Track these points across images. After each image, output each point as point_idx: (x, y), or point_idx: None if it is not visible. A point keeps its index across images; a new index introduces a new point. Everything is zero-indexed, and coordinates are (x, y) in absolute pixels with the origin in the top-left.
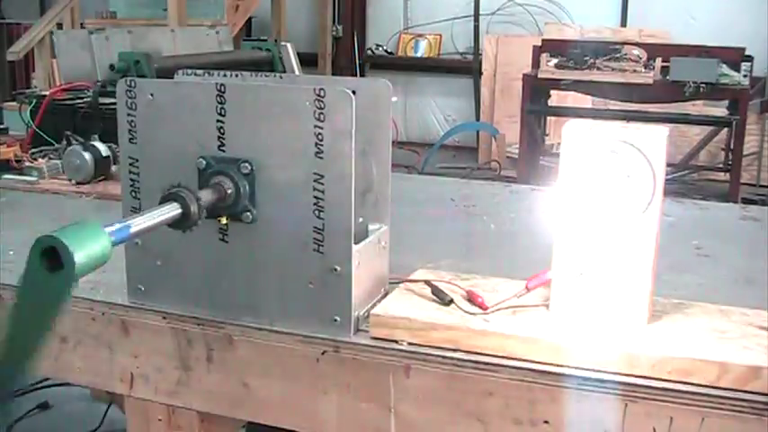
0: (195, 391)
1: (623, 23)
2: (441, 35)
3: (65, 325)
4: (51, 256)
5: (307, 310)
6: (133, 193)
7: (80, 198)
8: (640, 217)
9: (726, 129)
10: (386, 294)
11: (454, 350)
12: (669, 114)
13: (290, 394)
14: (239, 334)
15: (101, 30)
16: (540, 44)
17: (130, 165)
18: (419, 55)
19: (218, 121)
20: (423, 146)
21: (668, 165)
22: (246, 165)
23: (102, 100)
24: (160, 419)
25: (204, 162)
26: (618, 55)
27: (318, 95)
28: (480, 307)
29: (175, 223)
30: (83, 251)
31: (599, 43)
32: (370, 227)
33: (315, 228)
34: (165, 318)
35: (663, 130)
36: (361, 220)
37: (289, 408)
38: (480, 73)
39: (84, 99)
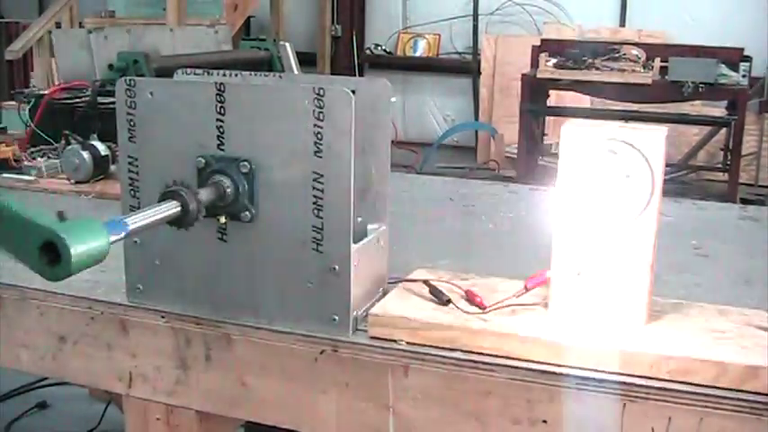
0: (194, 390)
1: (622, 23)
2: (439, 35)
3: (63, 324)
4: (49, 251)
5: (305, 309)
6: (132, 192)
7: (79, 197)
8: (639, 217)
9: (724, 129)
10: (384, 294)
11: (453, 350)
12: (668, 114)
13: (289, 393)
14: (238, 333)
15: (99, 29)
16: (538, 44)
17: (129, 164)
18: (418, 54)
19: (217, 120)
20: (421, 145)
21: (667, 165)
22: (246, 164)
23: (100, 99)
24: (158, 419)
25: (203, 161)
26: (617, 55)
27: (318, 95)
28: (479, 306)
29: (174, 221)
30: (80, 247)
31: (598, 43)
32: (369, 226)
33: (314, 227)
34: (163, 317)
35: (662, 130)
36: (360, 219)
37: (287, 407)
38: (479, 73)
39: (83, 98)
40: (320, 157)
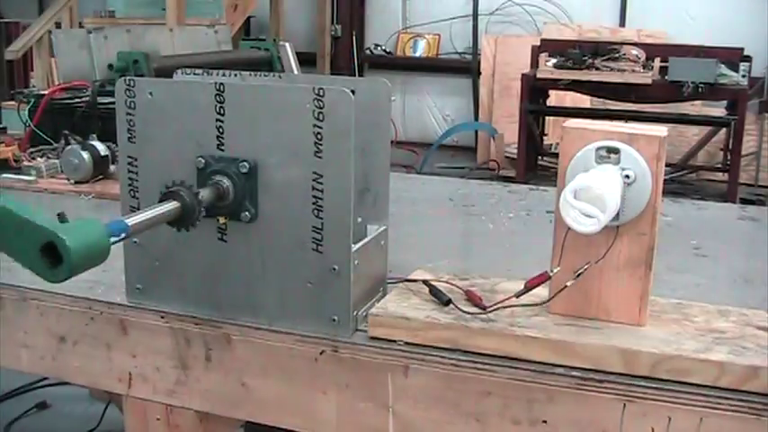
0: (194, 390)
1: (622, 23)
2: (439, 35)
3: (63, 324)
4: (50, 252)
5: (305, 309)
6: (132, 193)
7: (78, 197)
8: (639, 217)
9: (724, 129)
10: (384, 294)
11: (453, 350)
12: (668, 114)
13: (289, 394)
14: (238, 333)
15: (99, 29)
16: (538, 44)
17: (129, 164)
18: (418, 55)
19: (217, 120)
20: (421, 146)
21: (667, 165)
22: (245, 164)
23: (100, 99)
24: (158, 419)
25: (203, 161)
26: (616, 55)
27: (318, 95)
28: (479, 306)
29: (174, 221)
30: (81, 248)
31: (598, 43)
32: (369, 226)
33: (314, 227)
34: (163, 317)
35: (661, 130)
36: (359, 219)
37: (287, 407)
38: (479, 73)
39: (83, 98)
40: (320, 157)
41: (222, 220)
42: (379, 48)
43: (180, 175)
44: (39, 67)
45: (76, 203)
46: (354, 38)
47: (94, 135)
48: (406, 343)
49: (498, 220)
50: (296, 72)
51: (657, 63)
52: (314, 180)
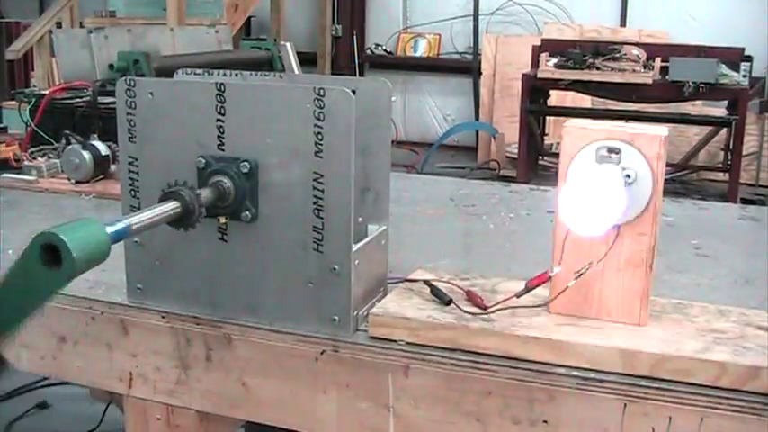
0: (194, 390)
1: (623, 23)
2: (440, 35)
3: (64, 324)
4: (50, 253)
5: (306, 309)
6: (132, 192)
7: (79, 197)
8: (639, 217)
9: (725, 129)
10: (385, 294)
11: (453, 350)
12: (668, 114)
13: (289, 394)
14: (238, 333)
15: (100, 29)
16: (539, 44)
17: (130, 164)
18: (418, 54)
19: (217, 120)
20: (422, 145)
21: (667, 165)
22: (246, 164)
23: (101, 99)
24: (159, 419)
25: (204, 161)
26: (617, 55)
27: (318, 95)
28: (480, 307)
29: (175, 222)
30: (81, 248)
31: (598, 43)
32: (370, 226)
33: (314, 227)
34: (164, 317)
35: (662, 130)
36: (360, 219)
37: (287, 407)
38: (479, 73)
39: (84, 98)
40: (321, 157)
41: (223, 219)
42: (379, 48)
43: (180, 174)
44: (39, 67)
45: (77, 203)
46: (355, 38)
47: (95, 135)
48: (407, 343)
49: (499, 220)
50: (296, 72)
51: (658, 63)
52: (314, 180)
